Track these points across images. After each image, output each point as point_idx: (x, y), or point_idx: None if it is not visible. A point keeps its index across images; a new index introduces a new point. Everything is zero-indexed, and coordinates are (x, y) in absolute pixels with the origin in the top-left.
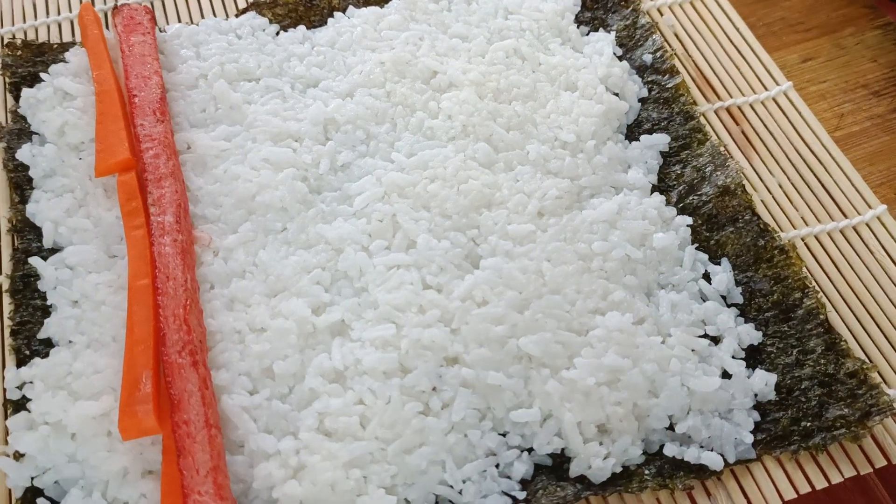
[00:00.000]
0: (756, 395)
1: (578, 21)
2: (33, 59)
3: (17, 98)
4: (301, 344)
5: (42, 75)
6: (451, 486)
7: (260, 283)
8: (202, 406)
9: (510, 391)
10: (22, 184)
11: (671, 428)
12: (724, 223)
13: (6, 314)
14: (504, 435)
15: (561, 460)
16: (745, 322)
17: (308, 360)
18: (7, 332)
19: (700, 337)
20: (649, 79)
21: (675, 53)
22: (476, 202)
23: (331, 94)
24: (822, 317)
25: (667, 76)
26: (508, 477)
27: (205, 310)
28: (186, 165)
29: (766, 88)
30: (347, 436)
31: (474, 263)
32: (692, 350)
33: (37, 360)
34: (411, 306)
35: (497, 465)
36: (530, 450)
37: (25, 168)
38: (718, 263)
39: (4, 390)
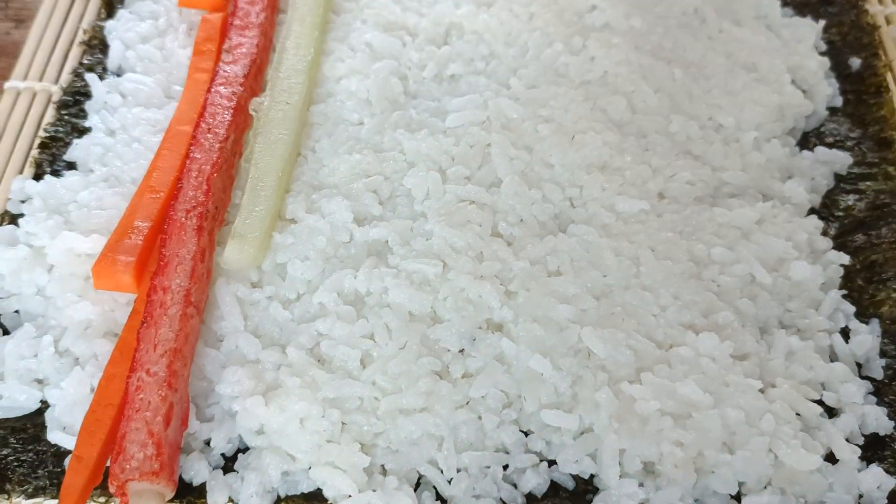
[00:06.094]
0: (861, 497)
1: (787, 1)
2: None
3: None
4: (329, 252)
5: None
6: (441, 471)
7: (309, 172)
8: (189, 278)
9: (552, 385)
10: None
11: (737, 498)
12: (890, 277)
13: (43, 124)
14: (527, 434)
15: (585, 488)
16: (878, 405)
17: (330, 270)
18: (37, 141)
19: (812, 402)
20: (850, 88)
21: (892, 69)
22: (589, 159)
23: None
24: None
25: (872, 90)
26: (514, 485)
27: (237, 180)
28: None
29: None
30: (341, 370)
31: (562, 226)
32: (797, 413)
33: (48, 177)
34: (470, 250)
35: (505, 467)
36: (552, 462)
37: None
38: (866, 323)
39: (8, 199)
